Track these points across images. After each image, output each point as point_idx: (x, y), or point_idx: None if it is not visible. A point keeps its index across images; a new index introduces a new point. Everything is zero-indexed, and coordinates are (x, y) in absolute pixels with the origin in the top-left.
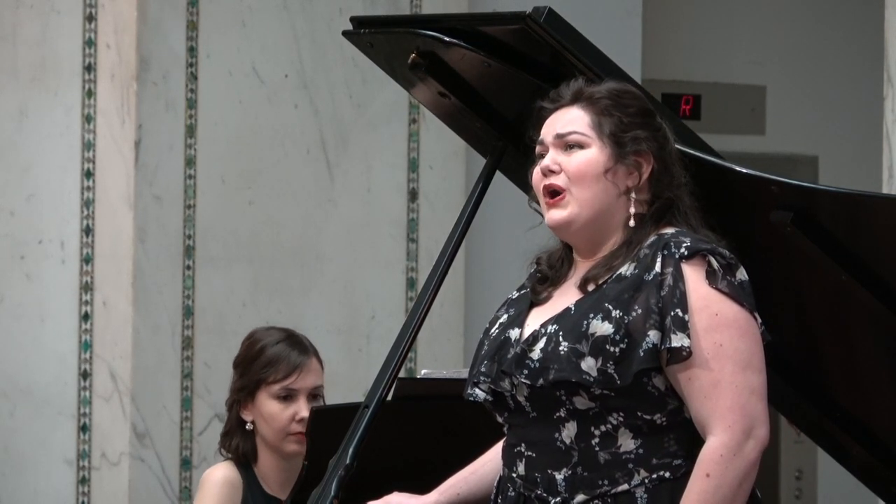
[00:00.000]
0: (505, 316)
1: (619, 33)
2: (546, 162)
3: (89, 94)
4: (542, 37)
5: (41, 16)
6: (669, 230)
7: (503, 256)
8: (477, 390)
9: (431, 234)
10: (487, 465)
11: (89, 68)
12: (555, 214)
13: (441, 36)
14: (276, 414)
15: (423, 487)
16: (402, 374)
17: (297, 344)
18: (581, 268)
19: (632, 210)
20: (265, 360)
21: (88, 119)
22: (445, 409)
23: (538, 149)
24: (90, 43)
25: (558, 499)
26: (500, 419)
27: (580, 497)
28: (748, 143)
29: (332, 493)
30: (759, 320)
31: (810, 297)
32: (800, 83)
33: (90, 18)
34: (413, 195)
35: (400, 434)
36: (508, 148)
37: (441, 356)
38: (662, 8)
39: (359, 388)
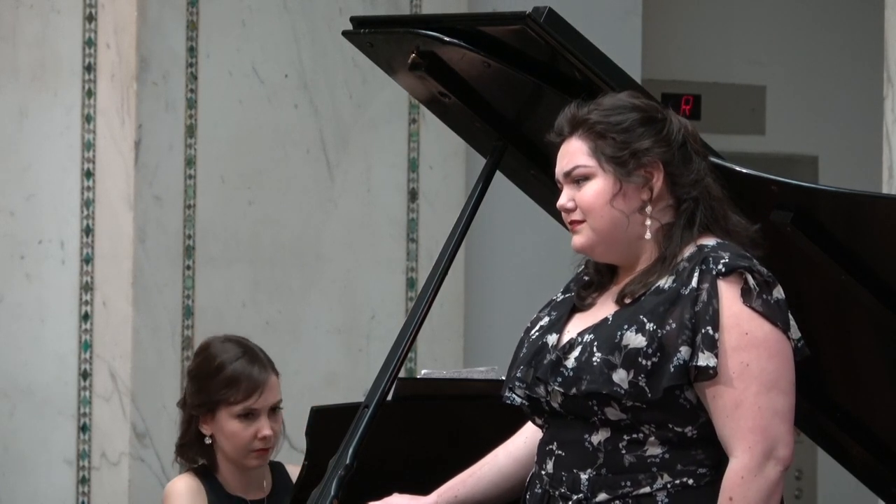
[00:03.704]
0: (546, 319)
1: (619, 33)
2: (562, 201)
3: (89, 94)
4: (541, 37)
5: (41, 16)
6: (710, 241)
7: (503, 256)
8: (514, 395)
9: (431, 234)
10: (485, 467)
11: (89, 68)
12: (576, 241)
13: (441, 36)
14: (238, 433)
15: (423, 487)
16: (402, 374)
17: (256, 360)
18: (623, 278)
19: (647, 223)
20: (224, 379)
21: (88, 119)
22: (445, 409)
23: (559, 185)
24: (90, 43)
25: (579, 495)
26: (538, 422)
27: (602, 496)
28: (748, 143)
29: (332, 493)
30: (796, 336)
31: (810, 297)
32: (800, 83)
33: (90, 18)
34: (413, 195)
35: (400, 434)
36: (508, 148)
37: (441, 356)
38: (662, 8)
39: (359, 388)
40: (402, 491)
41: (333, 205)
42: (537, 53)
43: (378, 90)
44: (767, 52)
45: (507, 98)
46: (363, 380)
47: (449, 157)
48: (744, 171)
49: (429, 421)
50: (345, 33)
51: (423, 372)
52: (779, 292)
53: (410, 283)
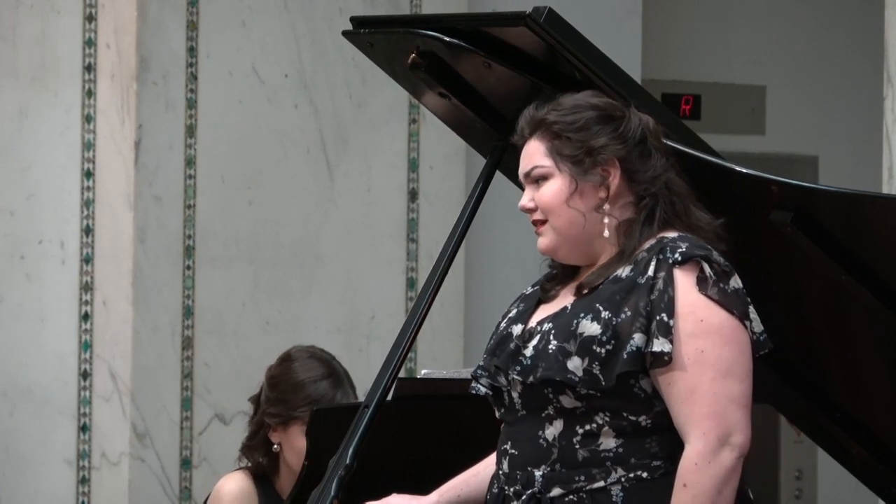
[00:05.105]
0: (515, 311)
1: (619, 33)
2: (522, 202)
3: (89, 94)
4: (542, 37)
5: (41, 16)
6: (672, 234)
7: (503, 256)
8: (479, 385)
9: (431, 234)
10: (489, 468)
11: (89, 68)
12: (540, 243)
13: (441, 36)
14: None
15: (423, 488)
16: (402, 374)
17: (340, 384)
18: (585, 271)
19: (605, 221)
20: (305, 397)
21: (88, 119)
22: (445, 409)
23: (523, 186)
24: (90, 43)
25: (534, 489)
26: (497, 415)
27: (556, 491)
28: (748, 143)
29: (332, 493)
30: (758, 329)
31: (810, 297)
32: (800, 83)
33: (90, 18)
34: (413, 195)
35: (400, 434)
36: (508, 148)
37: (441, 356)
38: (662, 8)
39: (359, 388)
40: (402, 491)
41: (333, 205)
42: (537, 53)
43: (378, 90)
44: (767, 52)
45: (507, 98)
46: (363, 380)
47: (449, 157)
48: (744, 171)
49: (429, 421)
50: (345, 33)
51: (423, 372)
52: (736, 281)
53: (410, 283)
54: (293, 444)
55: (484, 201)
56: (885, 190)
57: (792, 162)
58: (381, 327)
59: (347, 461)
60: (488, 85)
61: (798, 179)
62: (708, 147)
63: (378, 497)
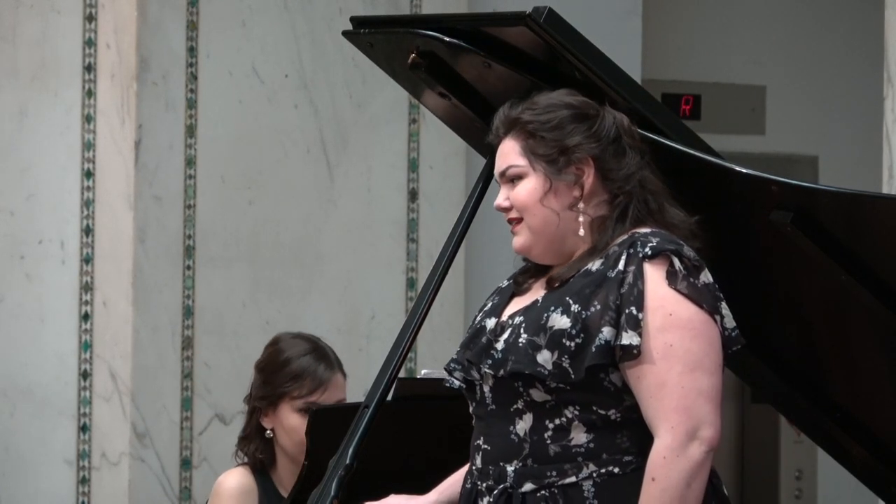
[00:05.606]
0: (490, 304)
1: (619, 33)
2: (498, 201)
3: (89, 94)
4: (541, 37)
5: (41, 16)
6: (644, 230)
7: (503, 256)
8: (453, 378)
9: (431, 234)
10: None
11: (89, 68)
12: (515, 242)
13: (441, 36)
14: (298, 427)
15: (423, 487)
16: (402, 374)
17: (324, 358)
18: (558, 266)
19: (580, 219)
20: (290, 372)
21: (88, 119)
22: (445, 409)
23: (499, 186)
24: (90, 43)
25: (506, 484)
26: (470, 409)
27: (528, 486)
28: (748, 143)
29: (332, 493)
30: (730, 325)
31: (810, 297)
32: (800, 83)
33: (90, 18)
34: (413, 195)
35: (400, 434)
36: None
37: (441, 356)
38: (662, 8)
39: (359, 388)
40: (402, 491)
41: (333, 205)
42: (537, 53)
43: (378, 90)
44: (767, 52)
45: (507, 98)
46: (363, 380)
47: (449, 157)
48: (744, 171)
49: (429, 421)
50: (345, 33)
51: (423, 372)
52: (706, 276)
53: (410, 283)
54: (283, 423)
55: (484, 201)
56: (885, 190)
57: (792, 162)
58: (381, 327)
59: (347, 461)
60: (488, 85)
61: (798, 179)
62: (708, 147)
63: (378, 497)
